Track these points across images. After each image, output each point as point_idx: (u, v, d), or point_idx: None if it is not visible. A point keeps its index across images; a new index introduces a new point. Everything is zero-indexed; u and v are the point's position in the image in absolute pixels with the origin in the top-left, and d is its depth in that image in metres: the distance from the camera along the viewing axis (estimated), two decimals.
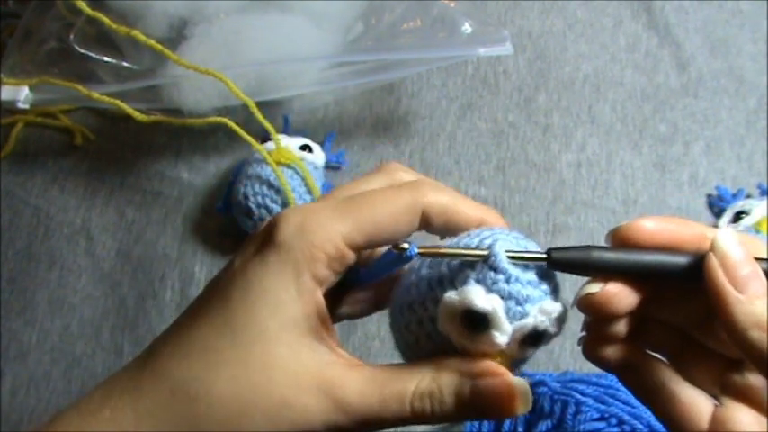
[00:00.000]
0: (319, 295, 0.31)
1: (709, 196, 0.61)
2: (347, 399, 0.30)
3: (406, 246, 0.30)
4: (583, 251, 0.30)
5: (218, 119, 0.57)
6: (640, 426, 0.46)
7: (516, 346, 0.30)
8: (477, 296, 0.29)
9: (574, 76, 0.66)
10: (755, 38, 0.69)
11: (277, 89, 0.59)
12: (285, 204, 0.55)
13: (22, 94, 0.59)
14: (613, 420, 0.46)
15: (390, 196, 0.32)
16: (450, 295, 0.29)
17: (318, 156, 0.59)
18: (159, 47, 0.54)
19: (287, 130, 0.62)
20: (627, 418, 0.46)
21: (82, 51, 0.59)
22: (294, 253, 0.31)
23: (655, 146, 0.63)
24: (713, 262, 0.28)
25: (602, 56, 0.68)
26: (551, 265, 0.30)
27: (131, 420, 0.30)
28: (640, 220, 0.30)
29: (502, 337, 0.29)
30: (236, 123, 0.56)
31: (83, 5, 0.55)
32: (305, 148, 0.59)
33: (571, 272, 0.30)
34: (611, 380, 0.49)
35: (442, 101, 0.65)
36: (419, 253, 0.30)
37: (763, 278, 0.28)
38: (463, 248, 0.30)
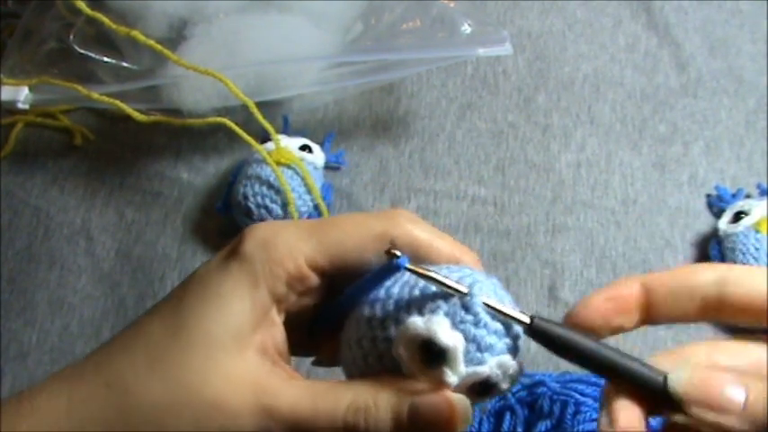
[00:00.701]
0: (275, 314, 0.31)
1: (708, 196, 0.61)
2: (279, 407, 0.29)
3: (398, 253, 0.29)
4: (567, 331, 0.29)
5: (218, 119, 0.57)
6: None
7: (464, 392, 0.29)
8: (443, 329, 0.28)
9: (573, 76, 0.67)
10: (755, 38, 0.69)
11: (277, 89, 0.59)
12: (285, 205, 0.55)
13: (21, 94, 0.59)
14: None
15: (361, 222, 0.32)
16: (416, 321, 0.29)
17: (318, 156, 0.59)
18: (159, 47, 0.54)
19: (287, 130, 0.62)
20: None
21: (82, 51, 0.59)
22: (254, 265, 0.31)
23: (654, 146, 0.63)
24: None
25: (602, 56, 0.68)
26: (529, 332, 0.29)
27: (64, 407, 0.30)
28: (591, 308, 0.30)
29: (453, 377, 0.28)
30: (236, 123, 0.56)
31: (83, 5, 0.55)
32: (305, 148, 0.59)
33: (545, 346, 0.29)
34: None
35: (441, 101, 0.65)
36: (406, 268, 0.29)
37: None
38: (447, 279, 0.29)
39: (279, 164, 0.56)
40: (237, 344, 0.30)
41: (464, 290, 0.29)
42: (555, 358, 0.54)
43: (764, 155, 0.63)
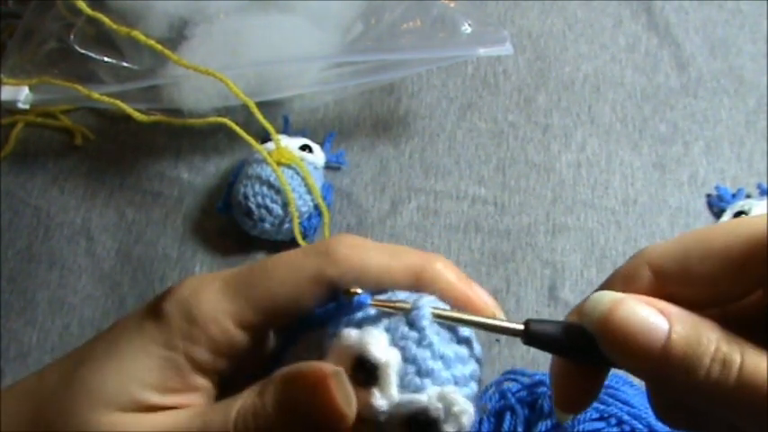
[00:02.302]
0: (197, 379, 0.29)
1: (708, 196, 0.61)
2: (166, 421, 0.28)
3: (359, 291, 0.27)
4: (570, 327, 0.26)
5: (218, 119, 0.57)
6: (640, 426, 0.46)
7: (396, 428, 0.25)
8: (377, 343, 0.25)
9: (574, 76, 0.67)
10: (755, 38, 0.69)
11: (277, 89, 0.59)
12: (285, 204, 0.55)
13: (22, 94, 0.59)
14: (613, 420, 0.46)
15: (292, 265, 0.29)
16: (350, 332, 0.26)
17: (318, 156, 0.59)
18: (159, 47, 0.54)
19: (287, 130, 0.62)
20: (626, 418, 0.46)
21: (82, 51, 0.59)
22: (171, 327, 0.29)
23: (654, 146, 0.63)
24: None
25: (602, 56, 0.68)
26: (527, 339, 0.26)
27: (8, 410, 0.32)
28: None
29: (381, 400, 0.25)
30: (237, 123, 0.56)
31: (83, 5, 0.55)
32: (305, 148, 0.59)
33: (548, 349, 0.26)
34: (611, 380, 0.49)
35: (442, 101, 0.65)
36: (372, 304, 0.26)
37: None
38: (398, 302, 0.26)
39: (279, 164, 0.56)
40: (134, 404, 0.28)
41: (427, 310, 0.25)
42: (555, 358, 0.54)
43: (765, 155, 0.62)
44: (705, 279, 0.26)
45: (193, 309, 0.29)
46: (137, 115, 0.57)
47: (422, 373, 0.25)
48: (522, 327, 0.26)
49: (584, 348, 0.25)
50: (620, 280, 0.28)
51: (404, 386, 0.25)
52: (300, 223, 0.56)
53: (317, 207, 0.57)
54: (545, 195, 0.61)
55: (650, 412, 0.46)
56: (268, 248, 0.58)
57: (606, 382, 0.48)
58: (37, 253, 0.59)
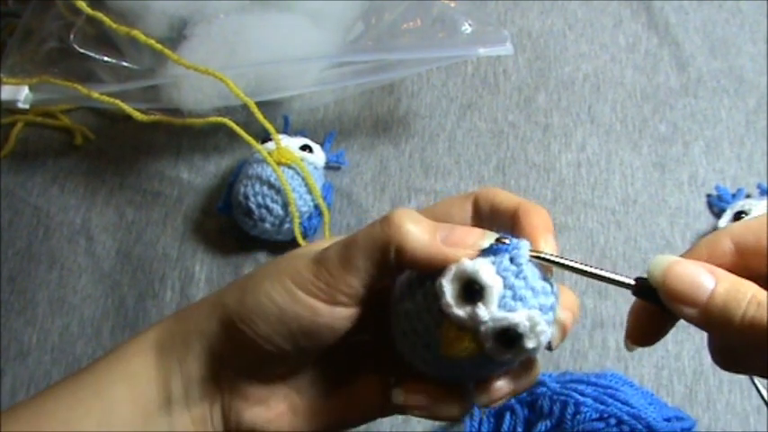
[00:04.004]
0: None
1: (708, 196, 0.61)
2: None
3: (506, 240, 0.32)
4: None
5: (218, 119, 0.57)
6: (639, 426, 0.46)
7: (490, 339, 0.31)
8: (487, 270, 0.31)
9: (574, 75, 0.67)
10: (755, 38, 0.69)
11: (277, 89, 0.59)
12: (286, 204, 0.55)
13: (22, 94, 0.59)
14: (612, 421, 0.46)
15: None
16: (465, 260, 0.31)
17: (318, 156, 0.59)
18: (159, 47, 0.54)
19: (287, 130, 0.62)
20: (626, 418, 0.46)
21: (82, 51, 0.59)
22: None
23: (654, 146, 0.63)
24: None
25: (602, 56, 0.68)
26: (637, 291, 0.31)
27: None
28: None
29: (485, 312, 0.30)
30: (237, 123, 0.56)
31: (83, 5, 0.55)
32: (305, 148, 0.59)
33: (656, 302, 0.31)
34: (611, 380, 0.49)
35: (441, 101, 0.65)
36: (534, 255, 0.33)
37: None
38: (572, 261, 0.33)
39: (279, 164, 0.56)
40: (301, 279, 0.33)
41: (625, 280, 0.32)
42: (555, 358, 0.54)
43: (764, 155, 0.62)
44: None
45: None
46: (137, 115, 0.57)
47: (516, 297, 0.31)
48: (631, 281, 0.32)
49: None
50: (705, 246, 0.32)
51: (501, 306, 0.31)
52: (300, 223, 0.56)
53: (317, 207, 0.57)
54: (545, 195, 0.61)
55: (650, 412, 0.46)
56: (268, 248, 0.58)
57: (606, 383, 0.48)
58: (37, 253, 0.59)
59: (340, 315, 0.33)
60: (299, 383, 0.36)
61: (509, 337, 0.31)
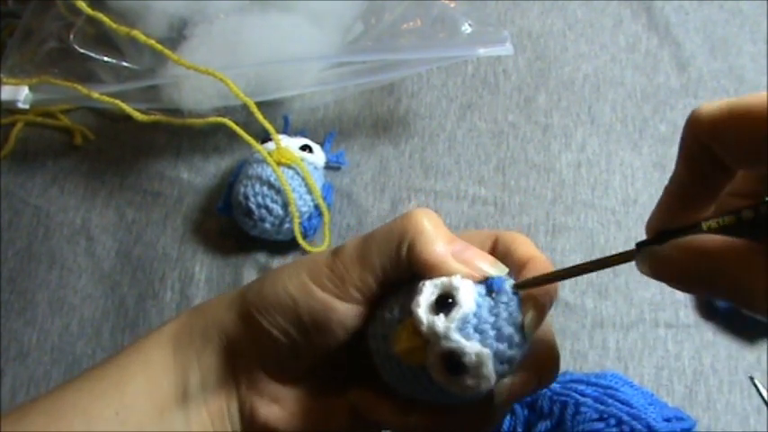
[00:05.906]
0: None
1: None
2: None
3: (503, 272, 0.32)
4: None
5: (219, 119, 0.57)
6: (639, 426, 0.46)
7: (436, 355, 0.30)
8: (466, 291, 0.31)
9: (574, 76, 0.67)
10: (755, 38, 0.69)
11: (277, 89, 0.59)
12: (286, 205, 0.55)
13: (22, 94, 0.59)
14: (612, 421, 0.46)
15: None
16: (457, 277, 0.31)
17: (318, 156, 0.59)
18: (159, 47, 0.54)
19: (287, 130, 0.62)
20: (626, 418, 0.46)
21: (82, 51, 0.59)
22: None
23: (655, 146, 0.63)
24: None
25: (602, 56, 0.68)
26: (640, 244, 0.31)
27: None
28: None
29: (441, 324, 0.30)
30: (237, 123, 0.56)
31: (83, 5, 0.55)
32: (305, 148, 0.59)
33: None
34: (611, 380, 0.49)
35: (441, 101, 0.65)
36: (516, 285, 0.31)
37: None
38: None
39: (279, 164, 0.56)
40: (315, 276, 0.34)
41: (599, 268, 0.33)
42: None
43: None
44: None
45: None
46: (137, 115, 0.57)
47: (478, 329, 0.30)
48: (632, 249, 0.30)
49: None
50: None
51: (460, 329, 0.30)
52: (300, 223, 0.56)
53: (317, 207, 0.57)
54: (545, 195, 0.61)
55: (650, 412, 0.46)
56: (268, 249, 0.58)
57: (606, 383, 0.48)
58: (37, 253, 0.59)
59: (351, 312, 0.33)
60: (312, 387, 0.36)
61: (452, 362, 0.30)
